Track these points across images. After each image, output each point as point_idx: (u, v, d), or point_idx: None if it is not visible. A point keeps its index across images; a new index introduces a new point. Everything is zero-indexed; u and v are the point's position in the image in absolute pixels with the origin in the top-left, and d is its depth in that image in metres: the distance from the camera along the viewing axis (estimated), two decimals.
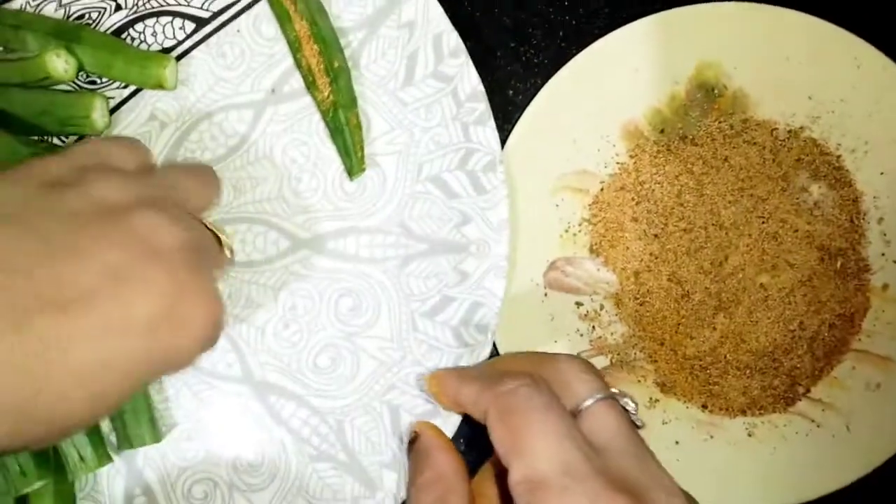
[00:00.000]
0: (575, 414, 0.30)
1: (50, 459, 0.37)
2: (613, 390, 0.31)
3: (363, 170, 0.39)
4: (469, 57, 0.38)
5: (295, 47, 0.38)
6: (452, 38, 0.38)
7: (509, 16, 0.41)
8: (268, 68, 0.40)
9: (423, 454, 0.33)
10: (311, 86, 0.38)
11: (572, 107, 0.39)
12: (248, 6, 0.40)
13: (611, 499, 0.26)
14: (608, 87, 0.39)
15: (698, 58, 0.40)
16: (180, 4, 0.40)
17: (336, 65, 0.38)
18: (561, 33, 0.41)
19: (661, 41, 0.39)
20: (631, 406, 0.31)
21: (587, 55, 0.39)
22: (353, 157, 0.38)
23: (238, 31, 0.40)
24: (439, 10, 0.38)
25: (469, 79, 0.38)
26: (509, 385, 0.29)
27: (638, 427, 0.30)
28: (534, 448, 0.27)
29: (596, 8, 0.41)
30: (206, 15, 0.40)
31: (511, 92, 0.41)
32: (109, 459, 0.38)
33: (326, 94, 0.38)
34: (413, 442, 0.35)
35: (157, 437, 0.38)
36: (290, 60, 0.40)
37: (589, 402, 0.30)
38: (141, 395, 0.38)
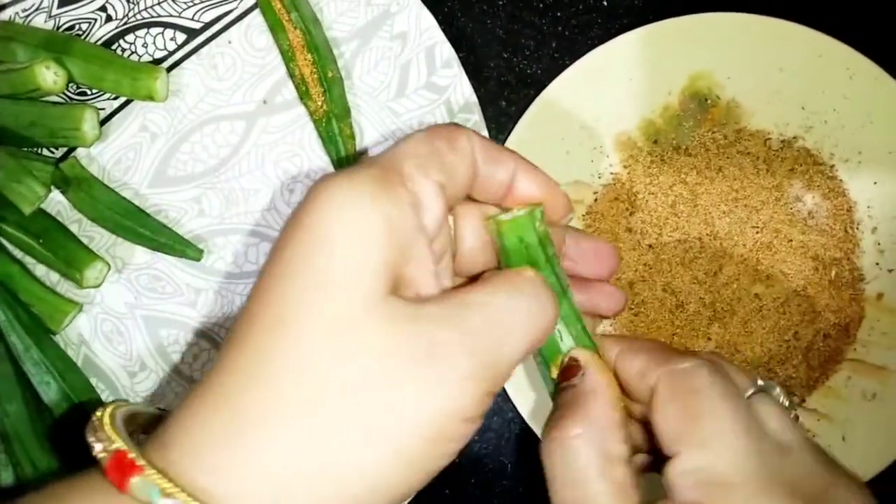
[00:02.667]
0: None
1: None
2: (761, 382, 0.27)
3: None
4: (462, 68, 0.38)
5: (288, 57, 0.38)
6: (445, 50, 0.38)
7: (502, 27, 0.41)
8: (259, 79, 0.40)
9: (582, 398, 0.26)
10: (304, 95, 0.38)
11: (565, 117, 0.39)
12: (240, 17, 0.40)
13: None
14: (601, 98, 0.39)
15: (691, 68, 0.40)
16: (171, 16, 0.40)
17: (330, 74, 0.38)
18: (554, 44, 0.41)
19: (654, 52, 0.39)
20: (783, 396, 0.27)
21: (580, 66, 0.39)
22: (346, 167, 0.38)
23: (229, 41, 0.40)
24: (432, 21, 0.38)
25: (462, 90, 0.38)
26: (688, 364, 0.26)
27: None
28: (718, 440, 0.24)
29: (589, 20, 0.41)
30: (197, 26, 0.40)
31: (504, 103, 0.41)
32: None
33: (320, 103, 0.38)
34: (569, 374, 0.27)
35: None
36: (281, 71, 0.39)
37: (751, 391, 0.26)
38: None
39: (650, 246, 0.39)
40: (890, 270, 0.40)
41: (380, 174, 0.23)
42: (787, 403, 0.27)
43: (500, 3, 0.41)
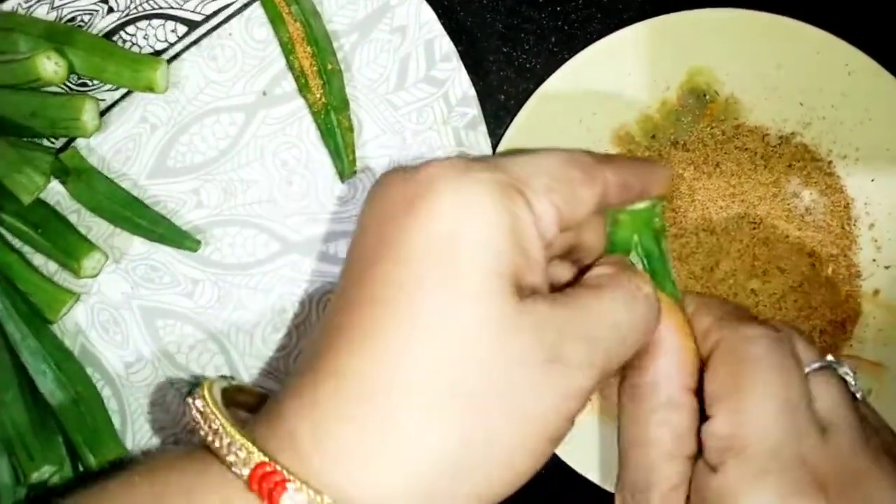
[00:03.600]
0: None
1: (60, 445, 0.37)
2: (830, 358, 0.28)
3: (354, 172, 0.39)
4: (461, 61, 0.38)
5: (288, 49, 0.38)
6: (444, 43, 0.38)
7: (502, 21, 0.41)
8: (259, 71, 0.40)
9: (658, 347, 0.28)
10: (303, 88, 0.38)
11: (563, 112, 0.39)
12: (241, 9, 0.40)
13: (800, 500, 0.24)
14: (599, 93, 0.39)
15: (690, 64, 0.40)
16: (172, 7, 0.40)
17: (329, 67, 0.38)
18: (553, 39, 0.41)
19: (652, 47, 0.39)
20: (850, 376, 0.28)
21: (578, 61, 0.39)
22: (344, 160, 0.38)
23: (230, 34, 0.40)
24: (431, 14, 0.38)
25: (460, 83, 0.38)
26: (752, 331, 0.27)
27: (856, 399, 0.27)
28: (752, 411, 0.25)
29: (588, 14, 0.41)
30: (198, 18, 0.40)
31: (503, 97, 0.41)
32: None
33: (319, 96, 0.38)
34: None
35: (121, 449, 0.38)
36: (281, 63, 0.40)
37: (813, 366, 0.27)
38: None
39: None
40: (887, 267, 0.40)
41: (506, 181, 0.24)
42: (852, 383, 0.28)
43: None
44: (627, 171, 0.28)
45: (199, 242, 0.39)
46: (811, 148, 0.40)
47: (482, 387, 0.23)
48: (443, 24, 0.39)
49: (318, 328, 0.26)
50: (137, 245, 0.40)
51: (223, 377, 0.29)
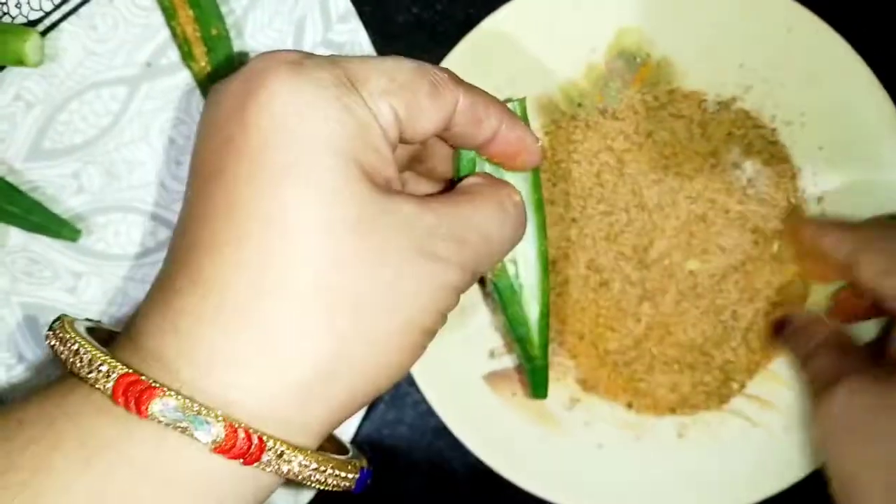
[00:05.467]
0: None
1: None
2: None
3: None
4: (360, 22, 0.35)
5: (169, 14, 0.35)
6: (341, 3, 0.35)
7: None
8: (143, 40, 0.36)
9: (802, 328, 0.35)
10: (187, 56, 0.35)
11: (479, 80, 0.35)
12: None
13: None
14: (518, 58, 0.36)
15: (618, 23, 0.36)
16: None
17: (214, 32, 0.34)
18: None
19: (575, 6, 0.36)
20: None
21: (494, 21, 0.35)
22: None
23: (111, 0, 0.36)
24: None
25: (361, 46, 0.35)
26: (881, 231, 0.33)
27: None
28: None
29: None
30: None
31: None
32: None
33: (203, 64, 0.34)
34: (781, 327, 0.36)
35: None
36: (167, 31, 0.36)
37: None
38: None
39: (574, 219, 0.36)
40: None
41: (342, 77, 0.23)
42: None
43: None
44: (485, 106, 0.26)
45: (78, 232, 0.35)
46: (752, 114, 0.36)
47: (351, 283, 0.22)
48: None
49: (171, 244, 0.25)
50: (14, 236, 0.36)
51: (88, 319, 0.27)
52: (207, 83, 0.34)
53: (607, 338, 0.36)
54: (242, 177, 0.22)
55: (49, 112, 0.36)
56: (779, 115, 0.36)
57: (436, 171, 0.30)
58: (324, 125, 0.22)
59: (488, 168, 0.29)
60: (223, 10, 0.35)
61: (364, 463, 0.25)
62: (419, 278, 0.23)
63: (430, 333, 0.24)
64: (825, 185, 0.36)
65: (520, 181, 0.29)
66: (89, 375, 0.22)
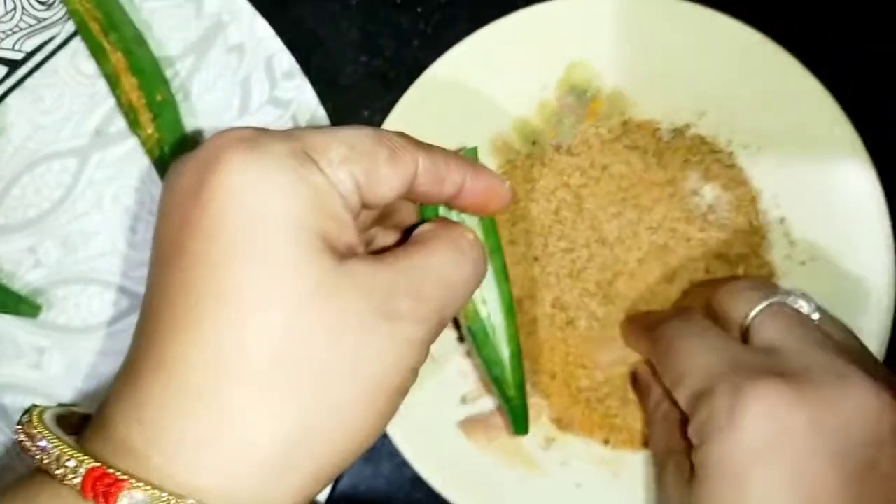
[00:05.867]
0: (745, 331, 0.30)
1: None
2: (778, 297, 0.30)
3: None
4: (305, 78, 0.34)
5: (113, 83, 0.34)
6: (285, 60, 0.34)
7: (358, 28, 0.37)
8: (90, 109, 0.36)
9: (643, 387, 0.34)
10: (133, 124, 0.34)
11: (432, 123, 0.35)
12: (65, 43, 0.36)
13: (754, 385, 0.26)
14: (470, 99, 0.36)
15: (567, 59, 0.36)
16: None
17: (159, 98, 0.34)
18: (416, 43, 0.37)
19: (524, 44, 0.35)
20: (802, 304, 0.30)
21: (443, 65, 0.35)
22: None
23: (55, 71, 0.36)
24: (268, 30, 0.34)
25: (307, 102, 0.34)
26: (667, 326, 0.30)
27: (815, 320, 0.30)
28: (686, 369, 0.28)
29: (453, 14, 0.37)
30: (18, 56, 0.36)
31: (366, 112, 0.37)
32: None
33: (150, 131, 0.34)
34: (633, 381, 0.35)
35: None
36: (113, 98, 0.36)
37: (753, 314, 0.29)
38: None
39: (536, 258, 0.36)
40: (802, 263, 0.36)
41: (298, 149, 0.23)
42: (804, 307, 0.30)
43: (353, 2, 0.37)
44: (446, 164, 0.27)
45: (38, 307, 0.35)
46: (708, 139, 0.36)
47: (310, 353, 0.22)
48: (292, 36, 0.36)
49: (136, 325, 0.25)
50: None
51: (61, 405, 0.27)
52: (156, 149, 0.34)
53: (578, 375, 0.35)
54: (199, 256, 0.22)
55: (1, 187, 0.36)
56: (735, 138, 0.36)
57: (403, 223, 0.30)
58: (280, 198, 0.22)
59: (442, 212, 0.29)
60: (168, 73, 0.35)
61: None
62: (382, 339, 0.23)
63: (402, 392, 0.24)
64: (786, 206, 0.36)
65: (473, 225, 0.29)
66: (57, 472, 0.22)
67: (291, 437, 0.22)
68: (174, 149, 0.34)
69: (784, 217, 0.36)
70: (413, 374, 0.24)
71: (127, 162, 0.36)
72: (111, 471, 0.21)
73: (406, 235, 0.28)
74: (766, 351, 0.28)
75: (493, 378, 0.32)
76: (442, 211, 0.29)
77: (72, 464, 0.22)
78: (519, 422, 0.33)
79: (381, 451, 0.37)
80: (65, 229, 0.36)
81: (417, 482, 0.35)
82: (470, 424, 0.36)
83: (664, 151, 0.36)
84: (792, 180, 0.36)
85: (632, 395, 0.35)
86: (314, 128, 0.25)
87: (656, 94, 0.36)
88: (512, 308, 0.31)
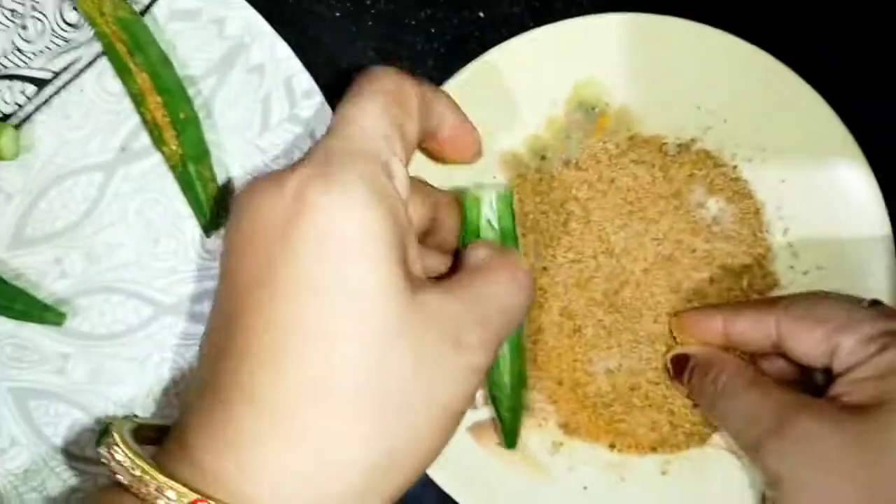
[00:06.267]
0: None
1: None
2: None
3: (219, 225, 0.36)
4: (324, 98, 0.36)
5: (138, 101, 0.36)
6: (304, 80, 0.36)
7: (374, 48, 0.39)
8: (116, 126, 0.37)
9: (704, 364, 0.34)
10: (157, 140, 0.36)
11: None
12: (91, 63, 0.37)
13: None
14: (481, 116, 0.36)
15: (575, 77, 0.37)
16: (19, 67, 0.37)
17: (182, 116, 0.35)
18: (430, 63, 0.39)
19: (533, 62, 0.37)
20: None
21: (456, 84, 0.36)
22: (207, 213, 0.35)
23: (82, 90, 0.37)
24: (287, 51, 0.36)
25: (326, 121, 0.36)
26: (800, 299, 0.33)
27: None
28: (847, 320, 0.30)
29: (465, 34, 0.39)
30: (47, 76, 0.37)
31: None
32: None
33: (174, 147, 0.35)
34: (682, 366, 0.35)
35: None
36: (138, 116, 0.37)
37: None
38: None
39: (544, 268, 0.37)
40: (805, 273, 0.37)
41: (366, 170, 0.24)
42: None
43: (370, 23, 0.39)
44: (428, 92, 0.29)
45: (63, 315, 0.36)
46: (713, 153, 0.37)
47: (394, 385, 0.23)
48: (310, 56, 0.37)
49: (206, 349, 0.26)
50: (1, 324, 0.37)
51: (127, 417, 0.28)
52: (179, 165, 0.35)
53: (585, 382, 0.36)
54: (291, 294, 0.23)
55: (29, 201, 0.37)
56: (739, 152, 0.37)
57: (445, 243, 0.32)
58: (361, 233, 0.24)
59: (482, 233, 0.31)
60: (190, 91, 0.36)
61: None
62: (454, 368, 0.25)
63: (462, 415, 0.26)
64: (790, 217, 0.37)
65: None
66: (158, 503, 0.23)
67: (378, 463, 0.23)
68: (196, 163, 0.35)
69: (788, 228, 0.37)
70: (473, 399, 0.26)
71: (151, 176, 0.37)
72: (212, 503, 0.22)
73: (455, 259, 0.31)
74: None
75: (491, 396, 0.34)
76: (482, 232, 0.32)
77: (173, 496, 0.23)
78: (509, 438, 0.35)
79: None
80: (90, 241, 0.37)
81: (428, 485, 0.36)
82: (479, 429, 0.37)
83: (670, 166, 0.37)
84: (795, 192, 0.37)
85: (637, 401, 0.36)
86: (341, 131, 0.26)
87: (662, 110, 0.37)
88: (521, 346, 0.33)
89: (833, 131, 0.36)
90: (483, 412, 0.37)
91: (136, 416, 0.29)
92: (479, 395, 0.37)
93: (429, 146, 0.30)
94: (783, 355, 0.33)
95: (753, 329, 0.33)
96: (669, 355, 0.35)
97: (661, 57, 0.37)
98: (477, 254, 0.29)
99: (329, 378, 0.23)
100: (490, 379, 0.33)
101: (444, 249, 0.32)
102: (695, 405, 0.36)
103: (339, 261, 0.23)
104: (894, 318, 0.30)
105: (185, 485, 0.23)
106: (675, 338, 0.36)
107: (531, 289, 0.29)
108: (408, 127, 0.27)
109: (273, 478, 0.23)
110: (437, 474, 0.36)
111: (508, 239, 0.32)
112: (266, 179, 0.25)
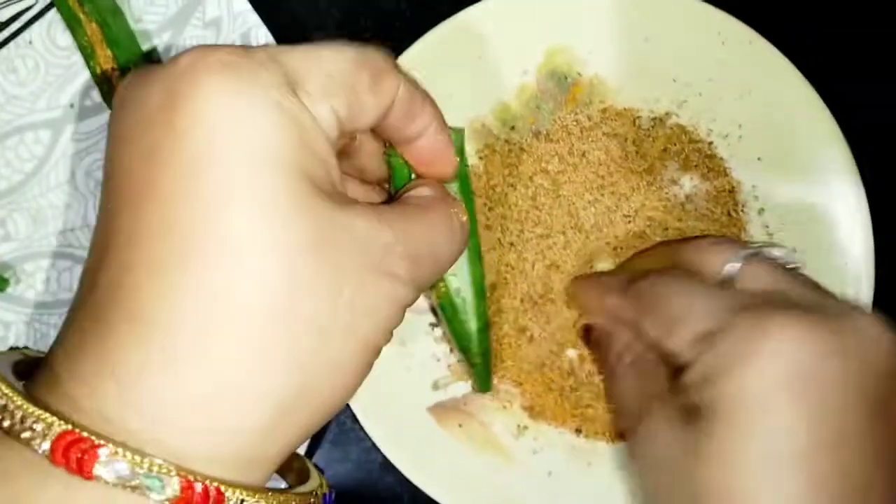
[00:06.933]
0: (722, 284, 0.29)
1: None
2: (753, 249, 0.29)
3: None
4: None
5: (87, 54, 0.34)
6: (261, 34, 0.34)
7: (337, 7, 0.37)
8: (66, 81, 0.35)
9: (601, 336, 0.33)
10: (107, 96, 0.34)
11: None
12: (40, 14, 0.35)
13: (773, 318, 0.25)
14: (449, 82, 0.35)
15: (547, 43, 0.36)
16: None
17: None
18: (396, 24, 0.37)
19: (504, 27, 0.35)
20: (778, 253, 0.29)
21: (423, 46, 0.35)
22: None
23: (30, 41, 0.35)
24: (245, 4, 0.34)
25: None
26: (648, 281, 0.29)
27: (794, 267, 0.29)
28: (684, 313, 0.27)
29: None
30: None
31: None
32: None
33: None
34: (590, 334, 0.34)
35: None
36: (89, 71, 0.35)
37: (729, 269, 0.28)
38: None
39: (511, 244, 0.35)
40: None
41: (284, 81, 0.21)
42: (783, 258, 0.29)
43: None
44: (422, 101, 0.26)
45: (6, 281, 0.35)
46: (688, 128, 0.36)
47: (311, 306, 0.20)
48: (271, 13, 0.35)
49: (88, 264, 0.22)
50: None
51: (14, 349, 0.26)
52: None
53: (550, 363, 0.35)
54: (180, 194, 0.20)
55: None
56: (715, 128, 0.36)
57: (366, 168, 0.28)
58: (268, 136, 0.20)
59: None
60: (145, 47, 0.35)
61: (325, 488, 0.24)
62: (377, 297, 0.22)
63: (379, 352, 0.23)
64: (765, 196, 0.36)
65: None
66: (23, 435, 0.19)
67: (288, 399, 0.21)
68: None
69: (763, 208, 0.36)
70: (391, 335, 0.24)
71: (101, 136, 0.35)
72: (86, 434, 0.19)
73: (387, 198, 0.29)
74: (764, 293, 0.27)
75: (460, 348, 0.33)
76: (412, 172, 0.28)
77: (39, 427, 0.19)
78: (482, 381, 0.34)
79: (351, 435, 0.36)
80: (36, 202, 0.35)
81: (388, 467, 0.35)
82: (441, 411, 0.35)
83: (643, 140, 0.36)
84: (771, 170, 0.36)
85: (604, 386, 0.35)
86: (293, 49, 0.22)
87: (637, 82, 0.36)
88: (482, 287, 0.32)
89: (812, 109, 0.35)
90: (446, 393, 0.35)
91: (26, 348, 0.26)
92: (444, 375, 0.35)
93: (403, 152, 0.27)
94: None
95: (620, 310, 0.31)
96: (579, 324, 0.34)
97: (636, 26, 0.36)
98: (419, 191, 0.27)
99: (234, 294, 0.20)
100: (453, 329, 0.32)
101: (366, 177, 0.29)
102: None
103: (239, 164, 0.20)
104: (744, 295, 0.27)
105: (55, 415, 0.19)
106: None
107: (464, 240, 0.27)
108: (366, 108, 0.23)
109: (158, 408, 0.20)
110: (395, 455, 0.34)
111: (461, 181, 0.30)
112: (156, 65, 0.22)
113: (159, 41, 0.35)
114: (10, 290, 0.35)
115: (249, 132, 0.20)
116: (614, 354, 0.31)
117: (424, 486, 0.34)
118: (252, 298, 0.20)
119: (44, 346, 0.35)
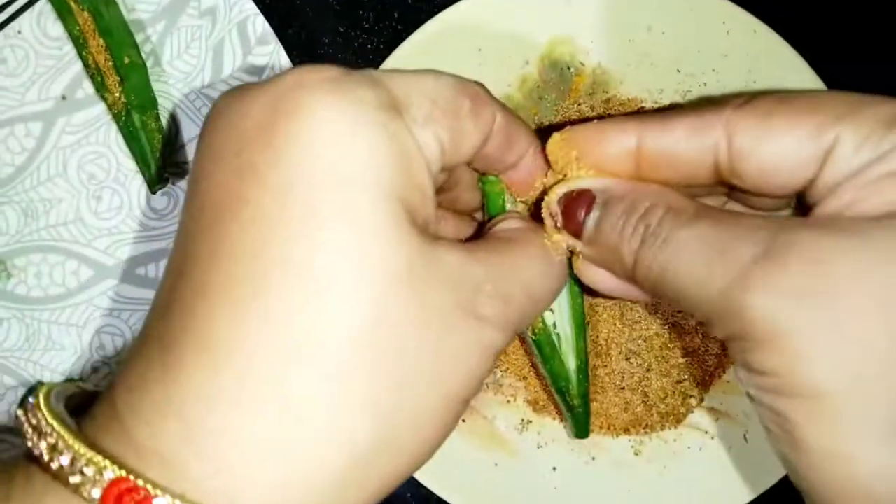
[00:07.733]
0: None
1: None
2: None
3: (167, 180, 0.33)
4: (279, 43, 0.33)
5: (80, 44, 0.33)
6: (259, 24, 0.33)
7: None
8: (57, 72, 0.34)
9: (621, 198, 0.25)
10: (100, 87, 0.33)
11: None
12: (30, 3, 0.35)
13: None
14: (450, 71, 0.34)
15: (550, 34, 0.35)
16: None
17: (127, 61, 0.33)
18: (396, 14, 0.36)
19: (506, 17, 0.35)
20: None
21: (423, 36, 0.34)
22: (152, 166, 0.33)
23: (19, 31, 0.35)
24: None
25: (282, 68, 0.33)
26: (749, 97, 0.22)
27: None
28: (860, 98, 0.22)
29: None
30: None
31: None
32: None
33: (117, 95, 0.33)
34: (577, 207, 0.25)
35: None
36: (81, 62, 0.34)
37: None
38: None
39: None
40: None
41: (388, 102, 0.20)
42: None
43: None
44: (518, 127, 0.24)
45: None
46: None
47: (396, 346, 0.18)
48: (269, 3, 0.34)
49: (163, 284, 0.20)
50: None
51: (70, 381, 0.24)
52: (123, 114, 0.33)
53: None
54: (268, 213, 0.18)
55: None
56: None
57: (460, 199, 0.27)
58: (370, 156, 0.19)
59: (509, 206, 0.26)
60: (139, 37, 0.34)
61: None
62: (464, 342, 0.20)
63: (466, 405, 0.21)
64: None
65: None
66: (71, 480, 0.18)
67: (366, 448, 0.19)
68: (142, 112, 0.33)
69: None
70: (481, 385, 0.21)
71: (93, 128, 0.34)
72: (140, 482, 0.17)
73: (477, 229, 0.27)
74: None
75: (556, 389, 0.30)
76: (507, 201, 0.26)
77: (90, 472, 0.17)
78: (580, 427, 0.32)
79: None
80: (27, 196, 0.34)
81: None
82: None
83: None
84: None
85: (609, 380, 0.34)
86: (396, 73, 0.21)
87: (640, 72, 0.35)
88: (582, 322, 0.29)
89: None
90: None
91: (80, 380, 0.25)
92: None
93: (506, 179, 0.26)
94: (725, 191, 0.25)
95: (688, 141, 0.22)
96: (557, 191, 0.24)
97: (638, 15, 0.35)
98: (508, 224, 0.24)
99: (315, 326, 0.18)
100: (550, 370, 0.29)
101: (460, 208, 0.27)
102: (679, 381, 0.34)
103: (336, 185, 0.18)
104: None
105: (109, 458, 0.18)
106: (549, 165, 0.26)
107: (563, 274, 0.24)
108: (467, 134, 0.22)
109: (225, 451, 0.18)
110: None
111: None
112: (257, 82, 0.20)
113: (153, 31, 0.34)
114: (0, 285, 0.34)
115: (351, 151, 0.19)
116: (656, 214, 0.22)
117: (428, 481, 0.34)
118: (335, 332, 0.18)
119: (36, 343, 0.34)
